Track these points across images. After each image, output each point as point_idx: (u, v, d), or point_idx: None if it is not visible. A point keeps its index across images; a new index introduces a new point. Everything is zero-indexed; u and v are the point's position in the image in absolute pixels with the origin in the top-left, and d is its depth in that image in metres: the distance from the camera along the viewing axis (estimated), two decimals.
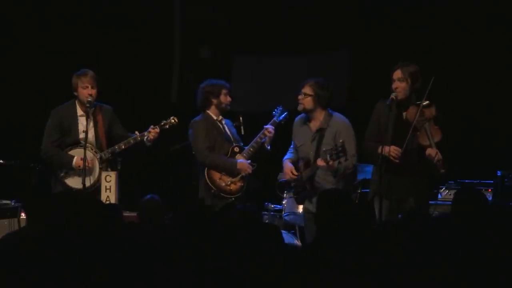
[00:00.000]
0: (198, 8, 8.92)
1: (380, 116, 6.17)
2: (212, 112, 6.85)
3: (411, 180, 6.03)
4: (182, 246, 3.88)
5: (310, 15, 8.59)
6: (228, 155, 6.80)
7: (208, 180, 6.71)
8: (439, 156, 5.94)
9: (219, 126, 6.86)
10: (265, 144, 6.84)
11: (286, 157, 6.61)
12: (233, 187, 6.75)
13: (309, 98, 6.41)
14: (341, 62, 8.66)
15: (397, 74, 6.11)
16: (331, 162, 6.09)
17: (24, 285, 3.69)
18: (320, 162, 6.19)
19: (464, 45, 8.00)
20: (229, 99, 6.85)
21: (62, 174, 6.49)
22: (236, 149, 6.83)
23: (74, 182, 6.48)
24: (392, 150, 5.98)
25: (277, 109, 6.98)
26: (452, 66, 7.84)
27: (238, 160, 6.72)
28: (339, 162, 6.10)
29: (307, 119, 6.49)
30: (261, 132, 6.85)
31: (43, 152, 6.55)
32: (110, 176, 6.45)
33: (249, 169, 6.72)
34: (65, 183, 6.48)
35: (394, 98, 6.06)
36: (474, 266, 3.71)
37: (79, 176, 6.43)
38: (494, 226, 4.21)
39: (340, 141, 6.07)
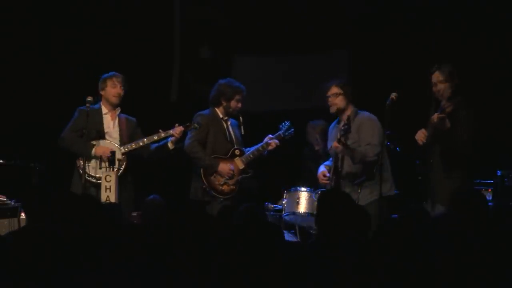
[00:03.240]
0: (198, 8, 8.92)
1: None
2: (220, 111, 6.88)
3: (441, 186, 5.96)
4: (184, 246, 3.88)
5: (310, 15, 8.59)
6: (228, 156, 6.81)
7: (202, 175, 6.73)
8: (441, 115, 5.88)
9: (223, 125, 6.88)
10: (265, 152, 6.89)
11: (324, 163, 6.66)
12: (225, 188, 6.75)
13: (340, 97, 6.43)
14: (341, 62, 8.67)
15: (437, 76, 6.12)
16: (342, 139, 6.09)
17: (24, 285, 3.70)
18: (334, 144, 6.22)
19: (463, 45, 7.99)
20: (239, 105, 6.86)
21: (81, 162, 6.54)
22: (237, 152, 6.84)
23: (94, 171, 6.56)
24: (418, 134, 6.00)
25: (284, 123, 6.97)
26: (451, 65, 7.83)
27: (221, 164, 6.72)
28: (347, 139, 6.09)
29: (338, 122, 6.51)
30: (264, 142, 6.85)
31: (62, 139, 6.64)
32: (110, 176, 6.46)
33: (228, 175, 6.72)
34: (84, 171, 6.51)
35: (394, 98, 6.07)
36: (473, 265, 3.71)
37: (98, 164, 6.56)
38: (494, 226, 4.22)
39: (347, 120, 6.11)
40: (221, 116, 6.88)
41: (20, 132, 8.15)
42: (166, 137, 6.69)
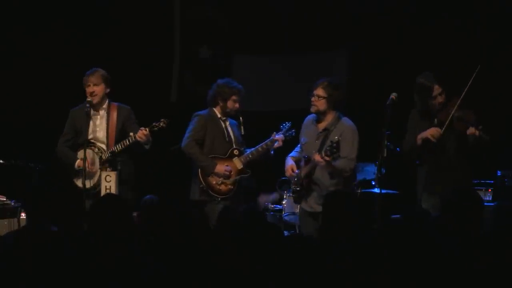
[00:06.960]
0: (198, 8, 8.92)
1: (417, 123, 6.16)
2: (217, 111, 6.85)
3: (453, 180, 5.97)
4: (182, 246, 3.88)
5: (309, 15, 8.59)
6: (227, 156, 6.80)
7: (200, 174, 6.71)
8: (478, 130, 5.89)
9: (221, 125, 6.85)
10: (270, 150, 6.83)
11: (290, 154, 6.58)
12: (223, 187, 6.72)
13: (322, 100, 6.33)
14: (341, 62, 8.67)
15: (438, 89, 6.07)
16: (326, 158, 6.06)
17: (24, 285, 3.69)
18: (316, 157, 6.17)
19: (462, 44, 8.00)
20: (236, 106, 6.79)
21: (72, 174, 6.54)
22: (236, 152, 6.81)
23: (80, 182, 6.50)
24: (432, 131, 5.97)
25: (285, 124, 6.92)
26: (451, 64, 7.84)
27: (217, 165, 6.70)
28: (334, 159, 6.07)
29: (317, 119, 6.45)
30: (269, 139, 6.80)
31: (56, 151, 6.64)
32: (110, 176, 6.45)
33: (225, 175, 6.71)
34: (74, 183, 6.52)
35: (394, 98, 6.05)
36: (472, 265, 3.72)
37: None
38: (492, 226, 4.22)
39: (336, 137, 6.06)
40: (219, 116, 6.86)
41: (20, 132, 8.15)
42: (137, 140, 6.58)
